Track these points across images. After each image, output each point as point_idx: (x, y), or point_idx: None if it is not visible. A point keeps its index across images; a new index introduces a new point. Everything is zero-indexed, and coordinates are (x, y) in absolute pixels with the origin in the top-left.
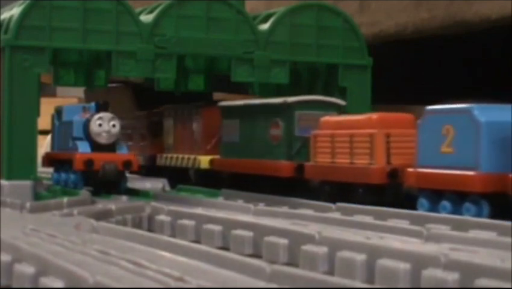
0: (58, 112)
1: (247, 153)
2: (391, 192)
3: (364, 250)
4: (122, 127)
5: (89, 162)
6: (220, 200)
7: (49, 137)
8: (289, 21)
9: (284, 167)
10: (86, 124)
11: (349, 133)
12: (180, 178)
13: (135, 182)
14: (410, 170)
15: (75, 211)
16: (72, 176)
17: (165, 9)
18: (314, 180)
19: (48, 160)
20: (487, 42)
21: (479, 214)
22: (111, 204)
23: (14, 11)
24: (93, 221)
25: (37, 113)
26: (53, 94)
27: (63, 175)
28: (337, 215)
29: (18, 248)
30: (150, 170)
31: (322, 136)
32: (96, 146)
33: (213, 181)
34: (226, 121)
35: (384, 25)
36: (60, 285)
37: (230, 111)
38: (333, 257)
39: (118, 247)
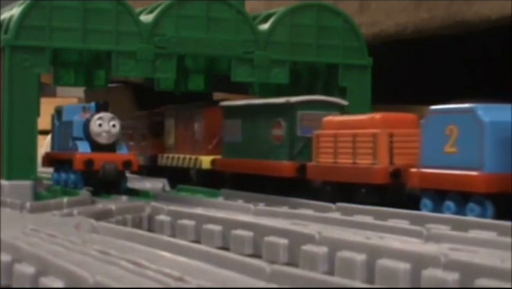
0: (58, 112)
1: (248, 153)
2: (394, 192)
3: (364, 250)
4: (123, 128)
5: (89, 162)
6: (220, 200)
7: (49, 137)
8: (289, 21)
9: (286, 167)
10: (86, 124)
11: (351, 133)
12: (181, 178)
13: (135, 182)
14: (413, 170)
15: (75, 211)
16: (72, 176)
17: (165, 9)
18: (316, 180)
19: (48, 160)
20: (487, 42)
21: (483, 215)
22: (111, 204)
23: (14, 11)
24: (93, 221)
25: (37, 113)
26: (53, 94)
27: (63, 175)
28: (337, 215)
29: (18, 248)
30: (152, 170)
31: (324, 136)
32: (96, 146)
33: (214, 181)
34: (227, 121)
35: (383, 25)
36: (60, 285)
37: (232, 111)
38: (333, 257)
39: (118, 247)
